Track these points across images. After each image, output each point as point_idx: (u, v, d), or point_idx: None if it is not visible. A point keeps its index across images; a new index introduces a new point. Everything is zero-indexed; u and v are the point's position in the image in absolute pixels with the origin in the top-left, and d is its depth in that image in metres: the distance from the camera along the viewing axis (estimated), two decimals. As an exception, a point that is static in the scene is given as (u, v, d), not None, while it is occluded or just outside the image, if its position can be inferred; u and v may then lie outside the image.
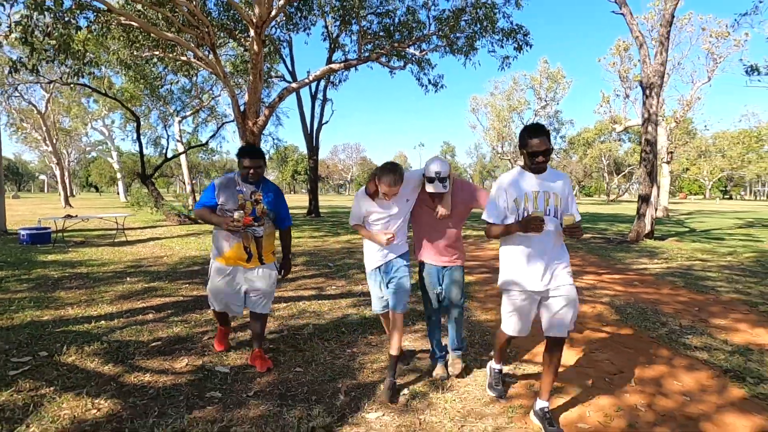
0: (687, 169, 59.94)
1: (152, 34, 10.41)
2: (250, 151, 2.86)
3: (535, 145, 2.25)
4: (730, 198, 72.85)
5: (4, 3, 7.47)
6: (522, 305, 2.36)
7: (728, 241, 11.16)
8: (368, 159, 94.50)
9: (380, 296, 2.87)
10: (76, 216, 9.55)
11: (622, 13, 10.04)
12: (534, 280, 2.30)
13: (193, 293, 5.15)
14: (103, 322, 3.98)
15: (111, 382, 2.79)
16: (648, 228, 10.46)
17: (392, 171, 2.56)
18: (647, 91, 9.97)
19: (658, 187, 15.27)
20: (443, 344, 3.02)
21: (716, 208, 32.61)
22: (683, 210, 29.31)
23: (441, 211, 2.72)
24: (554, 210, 2.31)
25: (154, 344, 3.46)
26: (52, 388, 2.65)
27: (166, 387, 2.73)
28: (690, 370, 3.12)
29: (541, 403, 2.36)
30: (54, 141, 25.36)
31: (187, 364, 3.08)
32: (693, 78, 21.04)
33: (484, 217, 2.45)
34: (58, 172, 25.71)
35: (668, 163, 21.41)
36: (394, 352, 2.69)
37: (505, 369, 2.90)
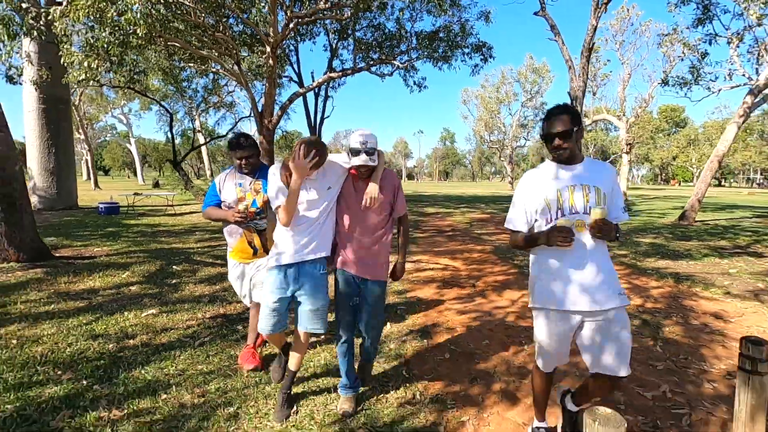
0: (675, 156, 62.76)
1: (188, 51, 13.45)
2: (238, 142, 2.77)
3: (549, 127, 1.87)
4: (719, 185, 75.40)
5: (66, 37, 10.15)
6: (559, 329, 1.90)
7: (640, 218, 14.25)
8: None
9: (273, 308, 2.33)
10: (142, 193, 12.79)
11: (555, 40, 12.95)
12: (572, 298, 1.85)
13: (242, 239, 8.35)
14: (199, 249, 7.20)
15: (222, 265, 6.00)
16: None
17: (308, 140, 2.19)
18: (573, 102, 12.93)
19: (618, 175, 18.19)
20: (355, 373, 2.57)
21: (685, 194, 35.52)
22: (651, 195, 32.26)
23: (369, 192, 2.27)
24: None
25: (233, 256, 6.69)
26: (198, 266, 5.88)
27: (249, 266, 5.96)
28: (481, 251, 6.35)
29: None
30: (86, 129, 28.51)
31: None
32: (651, 78, 23.85)
33: (505, 224, 2.07)
34: (89, 158, 28.96)
35: (627, 153, 24.37)
36: (293, 367, 2.44)
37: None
